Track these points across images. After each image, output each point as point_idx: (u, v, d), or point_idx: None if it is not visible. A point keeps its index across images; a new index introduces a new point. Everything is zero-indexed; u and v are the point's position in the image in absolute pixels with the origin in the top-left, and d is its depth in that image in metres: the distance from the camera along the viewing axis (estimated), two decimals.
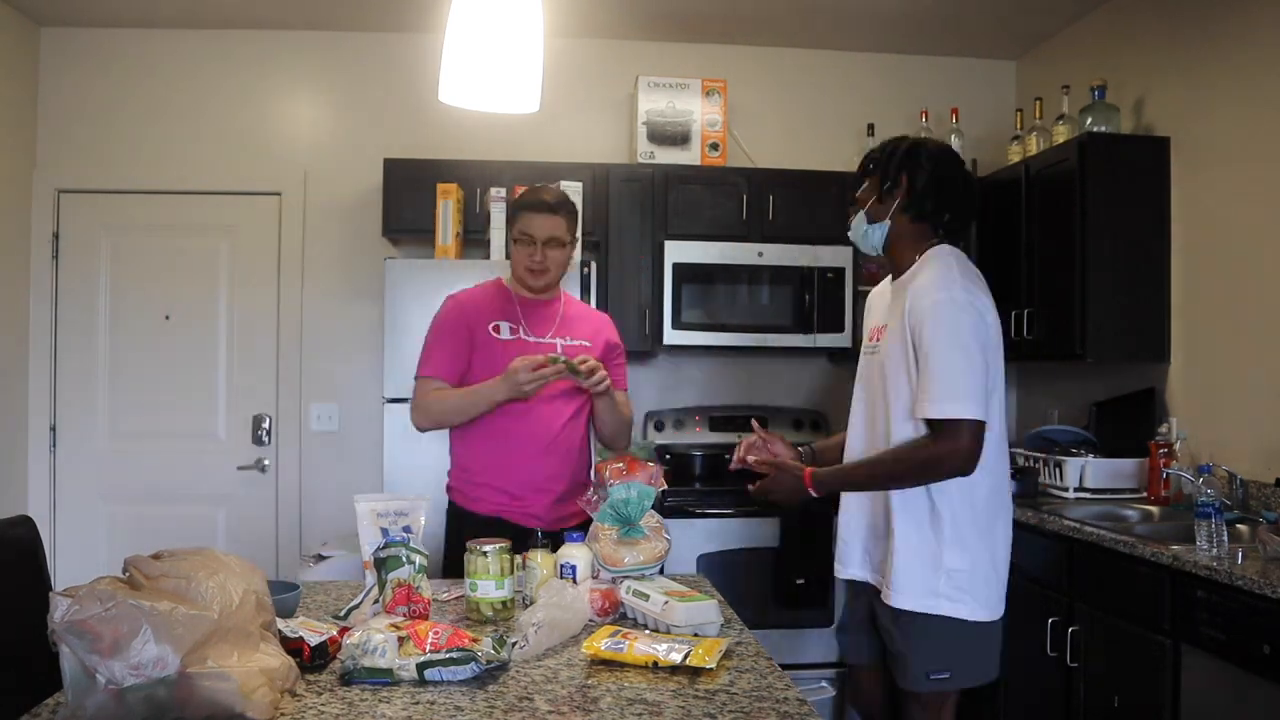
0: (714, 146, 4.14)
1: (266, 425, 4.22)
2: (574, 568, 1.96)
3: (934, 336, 1.98)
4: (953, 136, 4.25)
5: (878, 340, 2.19)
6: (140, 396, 4.18)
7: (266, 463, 4.22)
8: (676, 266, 3.99)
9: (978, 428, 1.95)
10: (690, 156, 4.12)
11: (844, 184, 4.12)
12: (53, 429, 4.15)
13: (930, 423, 1.98)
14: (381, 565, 1.77)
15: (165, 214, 4.21)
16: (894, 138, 2.26)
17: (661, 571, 2.06)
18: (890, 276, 2.27)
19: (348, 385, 4.24)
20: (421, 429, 2.62)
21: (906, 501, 2.05)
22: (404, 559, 1.77)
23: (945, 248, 2.14)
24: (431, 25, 3.69)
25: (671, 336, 3.99)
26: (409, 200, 3.88)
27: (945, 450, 1.95)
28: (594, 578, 1.97)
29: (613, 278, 4.02)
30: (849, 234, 2.27)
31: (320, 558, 3.76)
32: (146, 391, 4.18)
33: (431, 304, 3.48)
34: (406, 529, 1.95)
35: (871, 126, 4.28)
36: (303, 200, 4.25)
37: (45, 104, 4.17)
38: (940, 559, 2.02)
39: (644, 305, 4.03)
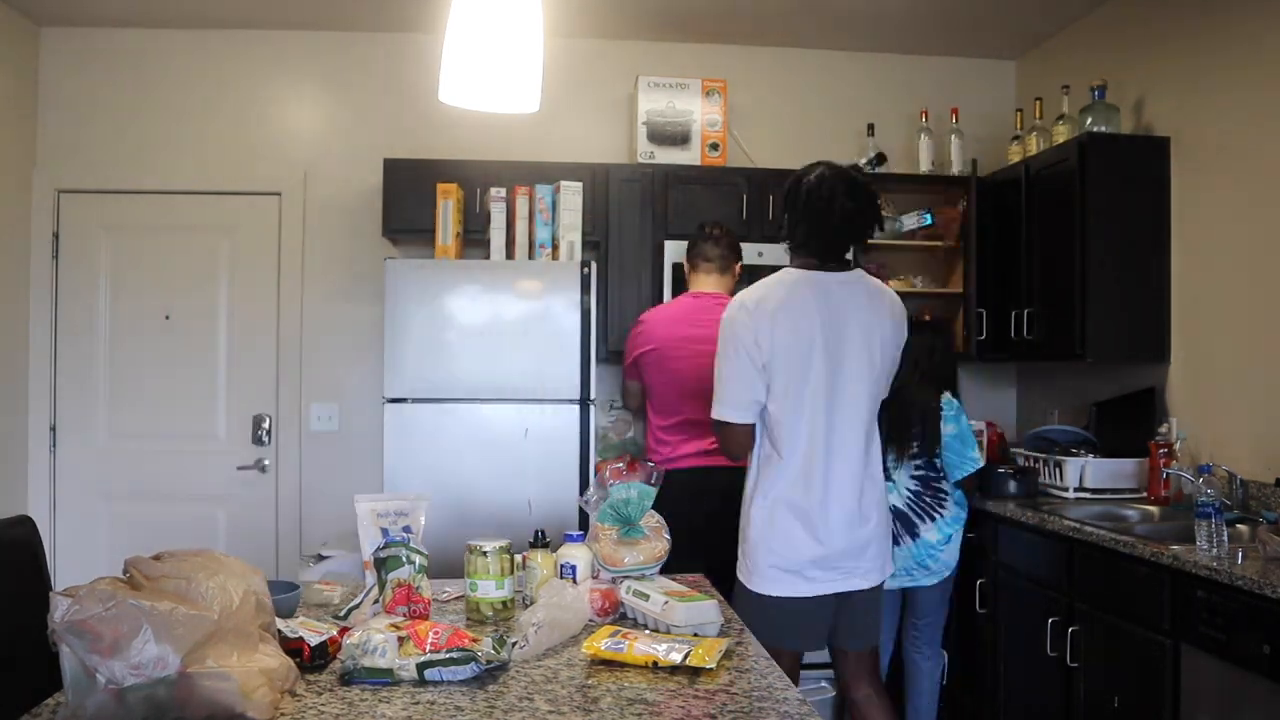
0: (714, 146, 4.14)
1: (266, 425, 4.22)
2: (574, 568, 1.96)
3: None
4: (952, 136, 4.25)
5: None
6: (140, 396, 4.18)
7: (266, 463, 4.22)
8: (677, 266, 3.99)
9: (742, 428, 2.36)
10: (690, 156, 4.12)
11: None
12: (53, 429, 4.15)
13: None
14: (381, 565, 1.77)
15: (165, 214, 4.21)
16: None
17: (661, 571, 2.06)
18: None
19: (348, 385, 4.24)
20: None
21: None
22: (404, 559, 1.77)
23: (784, 270, 2.47)
24: (431, 25, 3.69)
25: None
26: (409, 200, 3.88)
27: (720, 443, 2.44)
28: (594, 578, 1.97)
29: (612, 278, 4.02)
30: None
31: (320, 557, 3.77)
32: (146, 391, 4.18)
33: (432, 304, 3.52)
34: (406, 529, 1.95)
35: (871, 126, 4.28)
36: (302, 200, 4.25)
37: (45, 104, 4.17)
38: (743, 533, 2.40)
39: (644, 305, 4.02)
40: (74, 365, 4.16)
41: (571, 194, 3.72)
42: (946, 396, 3.33)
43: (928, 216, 4.20)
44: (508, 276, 3.59)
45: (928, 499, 3.29)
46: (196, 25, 4.17)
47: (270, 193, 4.25)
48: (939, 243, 4.23)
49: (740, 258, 3.44)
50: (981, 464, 3.34)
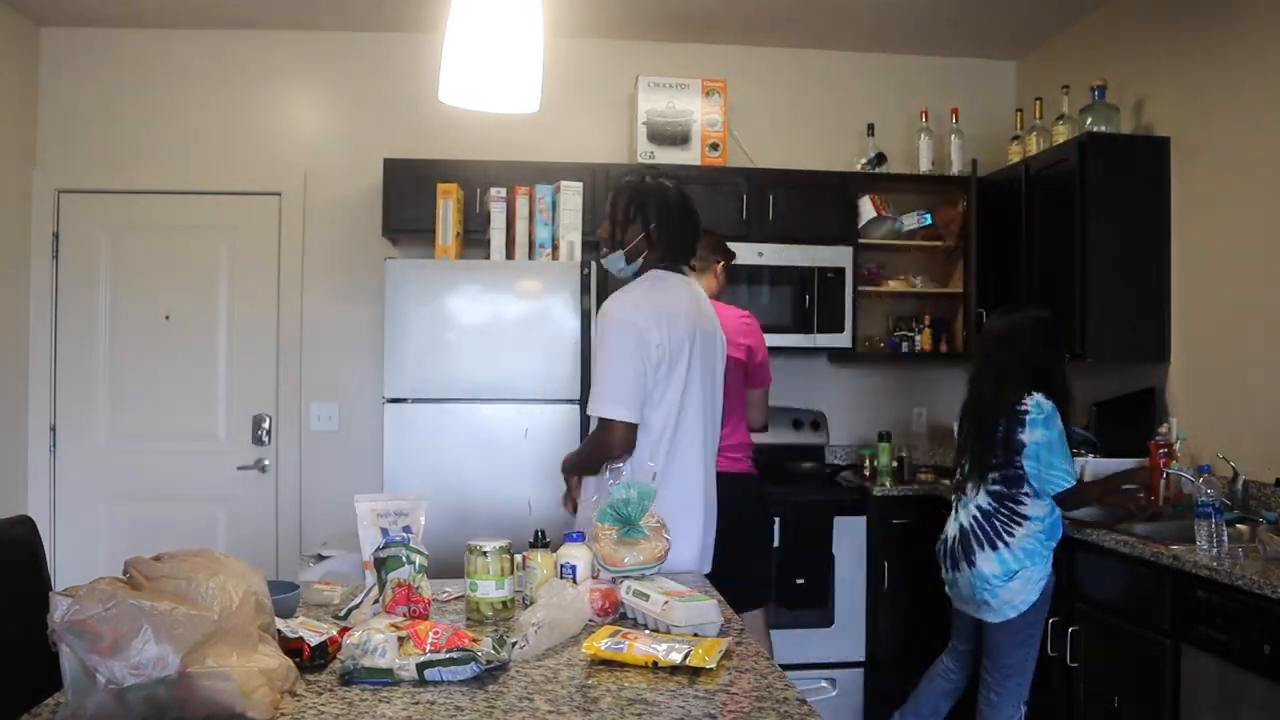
0: (714, 146, 4.14)
1: (266, 425, 4.22)
2: (574, 568, 1.96)
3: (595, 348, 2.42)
4: (953, 136, 4.25)
5: None
6: (140, 397, 4.18)
7: (266, 463, 4.22)
8: None
9: (625, 427, 2.31)
10: (690, 156, 4.12)
11: (845, 183, 4.15)
12: (53, 429, 4.14)
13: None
14: (381, 565, 1.77)
15: (165, 214, 4.21)
16: (637, 175, 2.57)
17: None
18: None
19: (348, 385, 4.24)
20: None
21: None
22: (404, 559, 1.77)
23: (655, 271, 2.48)
24: (431, 25, 3.70)
25: None
26: (409, 200, 3.88)
27: (602, 440, 2.34)
28: (594, 578, 1.97)
29: (612, 277, 4.00)
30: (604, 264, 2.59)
31: (320, 557, 3.77)
32: (146, 392, 4.18)
33: (432, 304, 3.52)
34: (406, 529, 1.94)
35: (872, 126, 4.28)
36: (303, 200, 4.25)
37: (45, 104, 4.17)
38: None
39: None
40: (74, 365, 4.16)
41: (571, 194, 3.73)
42: (1037, 397, 2.83)
43: (927, 216, 4.20)
44: (508, 276, 3.60)
45: (999, 521, 2.86)
46: (197, 25, 4.17)
47: (270, 193, 4.25)
48: (939, 243, 4.23)
49: (725, 256, 3.38)
50: (1071, 482, 2.80)
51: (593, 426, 2.41)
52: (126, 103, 4.20)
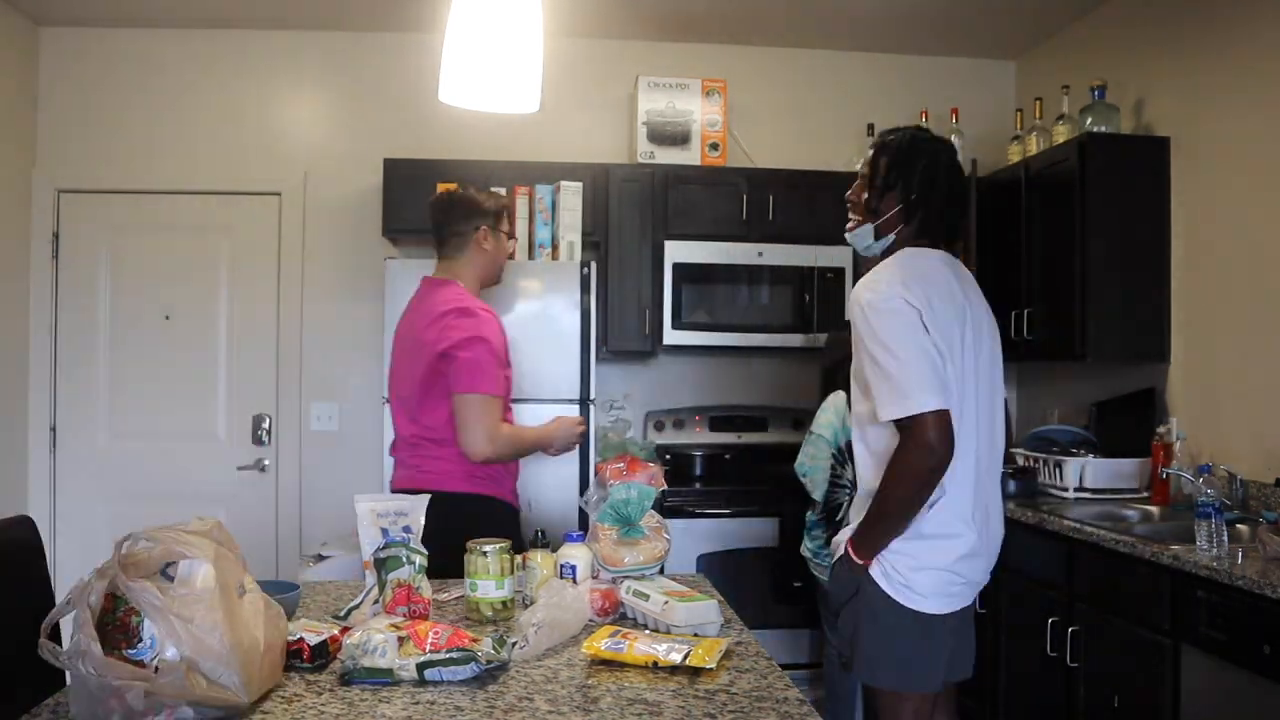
0: (714, 146, 4.14)
1: (266, 425, 4.22)
2: (574, 567, 1.96)
3: (865, 344, 1.93)
4: (953, 136, 4.23)
5: None
6: (140, 397, 4.18)
7: (266, 463, 4.21)
8: (677, 266, 4.00)
9: (937, 417, 1.83)
10: (690, 156, 4.12)
11: (844, 184, 4.13)
12: (53, 429, 4.14)
13: (897, 424, 1.87)
14: (381, 565, 1.77)
15: (165, 214, 4.21)
16: (902, 134, 2.12)
17: (661, 571, 2.06)
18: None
19: (347, 385, 4.24)
20: (484, 459, 2.48)
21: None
22: (404, 559, 1.77)
23: (909, 250, 2.06)
24: (431, 25, 3.69)
25: (672, 336, 4.00)
26: (409, 200, 3.87)
27: (917, 442, 1.83)
28: (594, 578, 1.97)
29: (612, 278, 4.02)
30: (849, 239, 2.18)
31: (320, 557, 3.76)
32: (147, 391, 4.18)
33: None
34: (406, 529, 1.94)
35: (871, 126, 4.28)
36: (303, 200, 4.25)
37: (45, 104, 4.17)
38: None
39: (644, 305, 4.03)
40: (74, 366, 4.16)
41: (571, 194, 3.73)
42: None
43: None
44: (507, 277, 3.57)
45: None
46: (197, 25, 4.17)
47: (270, 193, 4.25)
48: None
49: (487, 219, 2.77)
50: None
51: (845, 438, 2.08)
52: (126, 102, 4.20)
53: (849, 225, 2.18)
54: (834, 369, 3.41)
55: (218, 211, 4.23)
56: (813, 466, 3.21)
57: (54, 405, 4.15)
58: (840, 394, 3.27)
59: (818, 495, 3.21)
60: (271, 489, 4.22)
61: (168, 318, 4.20)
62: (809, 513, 3.28)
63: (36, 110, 4.16)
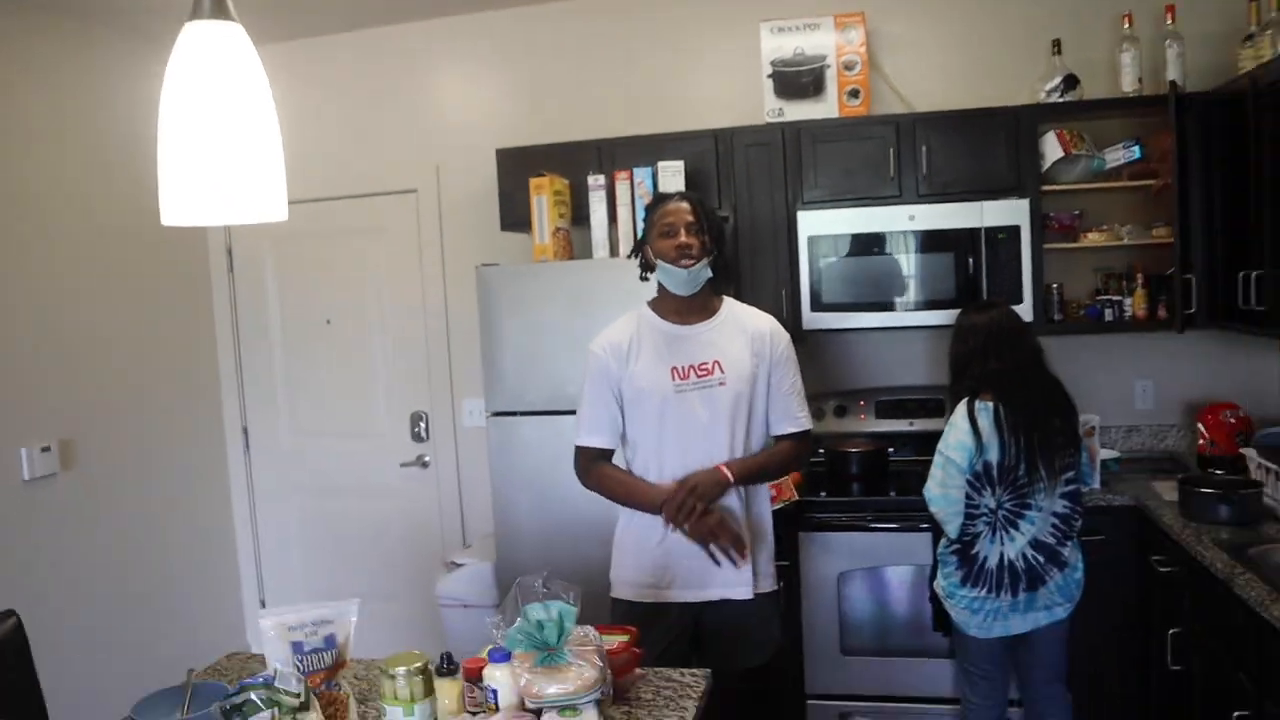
0: (853, 94, 3.53)
1: (424, 422, 4.27)
2: (495, 691, 1.71)
3: (795, 369, 2.53)
4: (1168, 44, 3.31)
5: (716, 373, 2.41)
6: (312, 398, 4.39)
7: (427, 459, 4.28)
8: (812, 241, 3.49)
9: None
10: (826, 109, 3.54)
11: (1019, 119, 3.38)
12: (244, 430, 4.46)
13: (805, 433, 2.52)
14: (232, 716, 1.58)
15: (319, 221, 4.29)
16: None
17: (605, 700, 1.74)
18: (669, 316, 2.47)
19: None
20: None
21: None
22: (263, 703, 1.57)
23: None
24: None
25: (811, 320, 3.52)
26: (521, 192, 3.65)
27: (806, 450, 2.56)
28: (520, 707, 1.70)
29: (743, 258, 3.58)
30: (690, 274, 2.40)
31: (455, 565, 3.77)
32: (317, 393, 4.38)
33: (525, 315, 3.32)
34: (329, 639, 1.77)
35: (1058, 43, 3.44)
36: (437, 196, 4.18)
37: None
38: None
39: (780, 285, 3.57)
40: (256, 371, 4.43)
41: (672, 174, 3.34)
42: None
43: (1136, 149, 3.35)
44: (609, 276, 3.28)
45: (1074, 521, 2.70)
46: (331, 31, 4.16)
47: (408, 190, 4.22)
48: (1152, 181, 3.35)
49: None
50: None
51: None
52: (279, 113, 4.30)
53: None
54: (964, 362, 2.82)
55: (363, 214, 4.27)
56: (943, 497, 2.69)
57: (243, 409, 4.45)
58: (974, 402, 2.70)
59: (951, 531, 2.70)
60: (434, 484, 4.29)
61: (329, 321, 4.34)
62: (941, 542, 2.77)
63: None
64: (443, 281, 4.19)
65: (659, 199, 2.52)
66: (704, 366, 2.41)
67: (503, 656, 1.73)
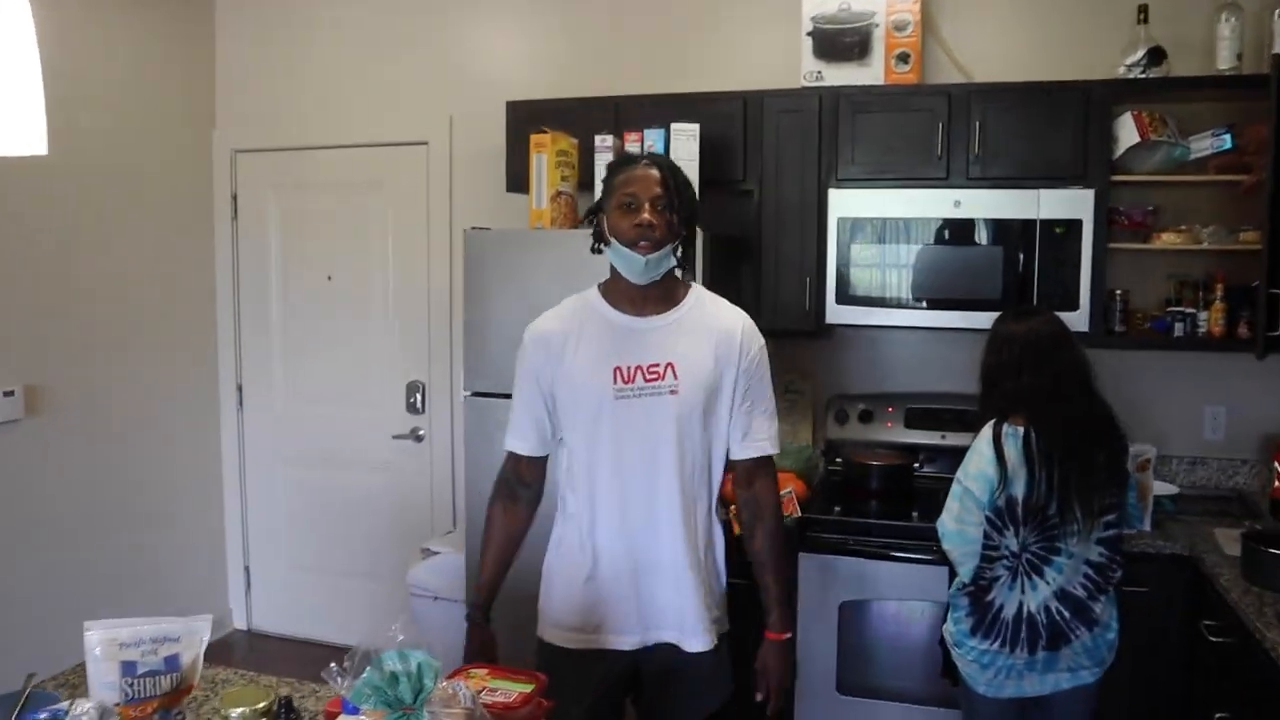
0: (902, 58, 3.12)
1: (420, 393, 4.00)
2: None
3: (766, 380, 2.05)
4: (1277, 15, 2.83)
5: (668, 378, 1.95)
6: (309, 360, 4.16)
7: (422, 432, 4.01)
8: (842, 222, 3.10)
9: None
10: (871, 75, 3.14)
11: (1091, 97, 2.94)
12: (239, 388, 4.25)
13: (767, 460, 2.06)
14: None
15: (324, 170, 4.06)
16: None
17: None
18: (620, 305, 2.00)
19: None
20: None
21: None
22: None
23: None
24: None
25: (835, 313, 3.14)
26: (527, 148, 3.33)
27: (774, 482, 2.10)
28: None
29: (766, 237, 3.22)
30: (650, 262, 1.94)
31: (430, 552, 3.51)
32: (313, 355, 4.14)
33: (512, 281, 3.01)
34: (171, 659, 1.51)
35: (1144, 10, 2.97)
36: (449, 149, 3.88)
37: (222, 66, 4.15)
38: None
39: (806, 272, 3.19)
40: (255, 324, 4.21)
41: (686, 139, 2.99)
42: None
43: (1227, 138, 2.89)
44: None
45: (1110, 571, 2.29)
46: None
47: (418, 142, 3.93)
48: (1243, 176, 2.89)
49: None
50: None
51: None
52: (287, 57, 4.06)
53: None
54: (996, 376, 2.42)
55: (370, 165, 4.00)
56: (959, 533, 2.31)
57: (238, 364, 4.24)
58: (1001, 425, 2.31)
59: (964, 573, 2.33)
60: (427, 460, 4.02)
61: (330, 278, 4.09)
62: (954, 582, 2.40)
63: (215, 72, 4.16)
64: (449, 243, 3.90)
65: (624, 160, 2.04)
66: (654, 369, 1.94)
67: (355, 710, 1.43)
